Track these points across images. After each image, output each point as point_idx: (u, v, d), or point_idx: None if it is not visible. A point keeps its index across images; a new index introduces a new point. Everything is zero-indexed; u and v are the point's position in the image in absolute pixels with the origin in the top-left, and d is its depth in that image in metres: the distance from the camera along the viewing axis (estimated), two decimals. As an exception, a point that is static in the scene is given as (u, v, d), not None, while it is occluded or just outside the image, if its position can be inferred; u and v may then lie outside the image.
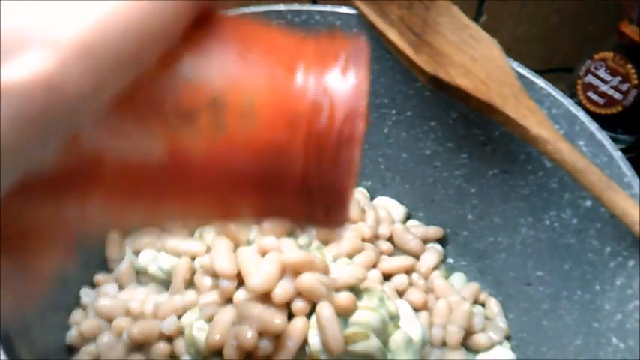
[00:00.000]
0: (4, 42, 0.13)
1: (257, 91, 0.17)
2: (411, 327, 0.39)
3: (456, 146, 0.43)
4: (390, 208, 0.46)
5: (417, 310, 0.42)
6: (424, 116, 0.43)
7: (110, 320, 0.39)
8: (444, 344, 0.41)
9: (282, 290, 0.34)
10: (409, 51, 0.38)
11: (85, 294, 0.40)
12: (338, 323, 0.34)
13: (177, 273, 0.39)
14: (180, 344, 0.37)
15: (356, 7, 0.40)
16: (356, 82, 0.17)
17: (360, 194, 0.46)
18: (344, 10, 0.41)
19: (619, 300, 0.35)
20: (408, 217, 0.47)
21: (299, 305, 0.35)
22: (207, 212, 0.19)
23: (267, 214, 0.18)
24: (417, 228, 0.46)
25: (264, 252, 0.36)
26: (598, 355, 0.35)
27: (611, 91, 0.44)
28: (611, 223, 0.35)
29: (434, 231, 0.46)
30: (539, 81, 0.38)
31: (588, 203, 0.37)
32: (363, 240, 0.43)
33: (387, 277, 0.43)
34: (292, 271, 0.35)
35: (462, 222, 0.45)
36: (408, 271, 0.44)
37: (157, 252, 0.41)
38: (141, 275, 0.41)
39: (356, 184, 0.18)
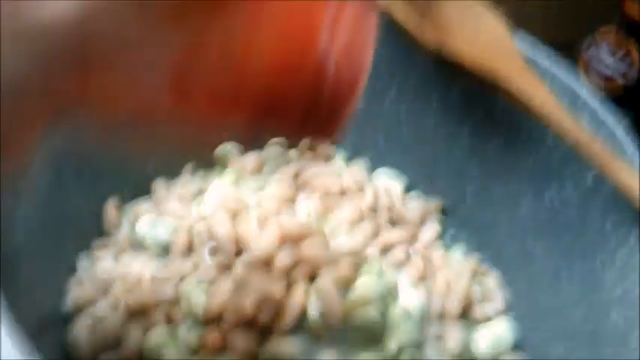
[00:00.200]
0: None
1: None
2: (409, 299, 0.39)
3: (458, 119, 0.42)
4: (389, 181, 0.46)
5: (415, 282, 0.42)
6: (426, 89, 0.43)
7: (107, 288, 0.38)
8: (442, 317, 0.41)
9: (282, 258, 0.34)
10: (413, 21, 0.38)
11: (82, 261, 0.40)
12: (337, 292, 0.34)
13: (175, 241, 0.39)
14: (178, 311, 0.37)
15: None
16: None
17: (359, 167, 0.46)
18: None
19: (620, 273, 0.35)
20: (408, 191, 0.47)
21: (299, 273, 0.35)
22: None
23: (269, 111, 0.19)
24: (416, 201, 0.46)
25: (264, 219, 0.36)
26: (598, 327, 0.35)
27: (613, 67, 0.44)
28: (613, 197, 0.35)
29: (433, 204, 0.46)
30: (542, 55, 0.37)
31: (590, 178, 0.37)
32: (362, 212, 0.43)
33: (385, 249, 0.43)
34: (293, 239, 0.35)
35: (462, 195, 0.45)
36: (407, 244, 0.43)
37: (155, 220, 0.41)
38: (138, 244, 0.41)
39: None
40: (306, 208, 0.42)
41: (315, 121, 0.19)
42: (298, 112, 0.19)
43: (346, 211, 0.42)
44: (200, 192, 0.43)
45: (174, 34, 0.17)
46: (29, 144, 0.19)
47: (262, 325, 0.34)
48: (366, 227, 0.42)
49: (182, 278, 0.37)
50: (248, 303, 0.33)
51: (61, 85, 0.17)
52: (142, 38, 0.17)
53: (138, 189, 0.43)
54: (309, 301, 0.34)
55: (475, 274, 0.44)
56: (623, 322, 0.35)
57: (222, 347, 0.35)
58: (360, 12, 0.18)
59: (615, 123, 0.35)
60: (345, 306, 0.34)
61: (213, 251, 0.37)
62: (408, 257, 0.43)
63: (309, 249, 0.34)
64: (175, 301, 0.37)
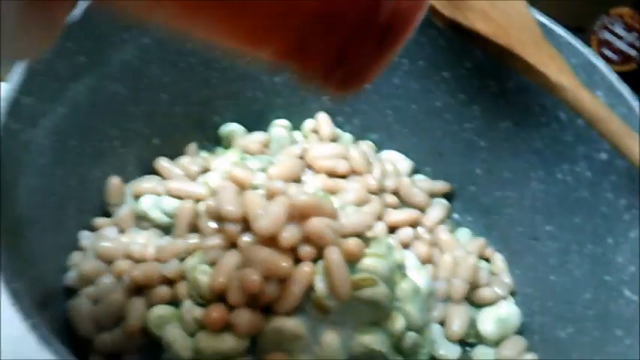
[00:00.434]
0: None
1: None
2: (417, 277, 0.38)
3: (468, 98, 0.42)
4: (396, 161, 0.46)
5: (421, 264, 0.41)
6: (437, 66, 0.42)
7: (110, 263, 0.38)
8: (448, 298, 0.40)
9: (289, 234, 0.34)
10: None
11: (85, 236, 0.40)
12: (346, 268, 0.34)
13: (180, 216, 0.38)
14: (182, 288, 0.36)
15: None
16: None
17: (366, 146, 0.46)
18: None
19: (633, 253, 0.34)
20: (415, 171, 0.47)
21: (306, 250, 0.34)
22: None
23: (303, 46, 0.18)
24: (423, 182, 0.45)
25: (271, 195, 0.35)
26: (609, 308, 0.35)
27: (626, 48, 0.43)
28: (627, 175, 0.35)
29: (441, 185, 0.45)
30: (559, 29, 0.37)
31: (604, 156, 0.36)
32: (368, 193, 0.42)
33: (392, 230, 0.43)
34: (300, 215, 0.34)
35: (470, 176, 0.44)
36: (414, 225, 0.43)
37: (159, 196, 0.40)
38: (141, 220, 0.41)
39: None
40: (313, 187, 0.41)
41: (361, 46, 0.18)
42: (347, 28, 0.18)
43: (353, 192, 0.41)
44: (204, 170, 0.43)
45: None
46: None
47: (267, 302, 0.34)
48: (373, 207, 0.42)
49: (187, 253, 0.37)
50: (255, 277, 0.33)
51: None
52: None
53: (141, 166, 0.43)
54: (315, 276, 0.34)
55: (481, 256, 0.43)
56: (635, 303, 0.34)
57: (226, 324, 0.34)
58: None
59: (633, 98, 0.34)
60: (353, 282, 0.33)
61: (219, 227, 0.37)
62: (413, 238, 0.43)
63: (318, 224, 0.34)
64: (179, 278, 0.36)
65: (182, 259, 0.37)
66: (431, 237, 0.43)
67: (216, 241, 0.36)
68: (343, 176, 0.43)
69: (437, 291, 0.40)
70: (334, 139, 0.46)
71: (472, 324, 0.40)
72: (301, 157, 0.43)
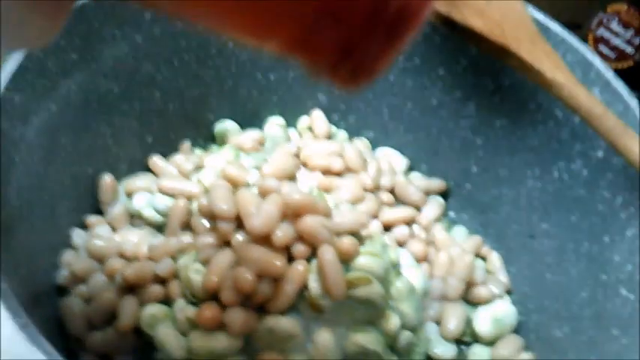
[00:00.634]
0: None
1: None
2: (412, 276, 0.38)
3: (464, 95, 0.42)
4: (392, 159, 0.45)
5: (416, 262, 0.41)
6: (432, 63, 0.42)
7: (102, 261, 0.37)
8: (443, 297, 0.40)
9: (282, 233, 0.33)
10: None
11: (77, 235, 0.39)
12: (340, 267, 0.33)
13: (173, 214, 0.38)
14: (174, 287, 0.36)
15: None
16: None
17: (361, 144, 0.45)
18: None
19: (630, 251, 0.34)
20: (411, 169, 0.46)
21: (300, 249, 0.34)
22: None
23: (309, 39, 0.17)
24: (419, 180, 0.45)
25: (265, 193, 0.35)
26: (605, 307, 0.35)
27: (623, 45, 0.43)
28: (624, 173, 0.34)
29: (436, 183, 0.45)
30: (555, 26, 0.37)
31: (600, 153, 0.36)
32: (364, 190, 0.42)
33: (387, 228, 0.42)
34: (294, 213, 0.34)
35: (466, 174, 0.44)
36: (409, 223, 0.43)
37: (152, 194, 0.40)
38: (134, 219, 0.40)
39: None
40: (308, 185, 0.41)
41: (369, 38, 0.18)
42: (356, 19, 0.17)
43: (347, 190, 0.41)
44: (198, 168, 0.42)
45: None
46: None
47: (260, 302, 0.34)
48: (368, 205, 0.41)
49: (179, 252, 0.36)
50: (248, 276, 0.32)
51: None
52: None
53: (134, 164, 0.42)
54: (309, 275, 0.33)
55: (477, 254, 0.43)
56: (632, 302, 0.34)
57: (219, 324, 0.34)
58: None
59: (630, 95, 0.34)
60: (347, 281, 0.33)
61: (212, 226, 0.36)
62: (409, 237, 0.42)
63: (311, 223, 0.33)
64: (172, 277, 0.36)
65: (175, 258, 0.36)
66: (426, 235, 0.43)
67: (209, 239, 0.36)
68: (338, 174, 0.42)
69: (432, 290, 0.40)
70: (329, 137, 0.46)
71: (468, 323, 0.40)
72: (296, 155, 0.43)
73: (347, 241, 0.34)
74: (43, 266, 0.37)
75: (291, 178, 0.41)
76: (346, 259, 0.34)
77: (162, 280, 0.36)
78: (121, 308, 0.35)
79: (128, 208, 0.40)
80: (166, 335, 0.34)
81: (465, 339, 0.40)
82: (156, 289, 0.36)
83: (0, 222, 0.31)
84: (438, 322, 0.40)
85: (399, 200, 0.44)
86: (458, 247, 0.42)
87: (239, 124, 0.45)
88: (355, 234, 0.36)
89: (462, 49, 0.40)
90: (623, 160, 0.33)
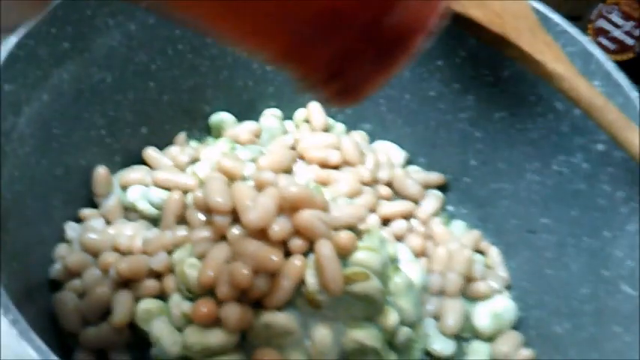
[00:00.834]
0: None
1: None
2: (410, 271, 0.38)
3: (463, 87, 0.41)
4: (390, 152, 0.45)
5: (414, 257, 0.40)
6: (430, 55, 0.41)
7: (97, 255, 0.37)
8: (442, 292, 0.40)
9: (279, 227, 0.33)
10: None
11: (71, 228, 0.39)
12: (337, 262, 0.33)
13: (168, 208, 0.37)
14: (169, 281, 0.35)
15: None
16: None
17: (359, 137, 0.45)
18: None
19: (631, 246, 0.34)
20: (409, 162, 0.46)
21: (297, 243, 0.33)
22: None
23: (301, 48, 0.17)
24: (417, 173, 0.45)
25: (261, 187, 0.34)
26: (606, 303, 0.34)
27: (623, 37, 0.43)
28: (625, 167, 0.34)
29: (435, 177, 0.45)
30: (555, 17, 0.36)
31: (601, 147, 0.35)
32: (362, 184, 0.42)
33: (385, 222, 0.42)
34: (290, 207, 0.33)
35: (465, 168, 0.43)
36: (407, 217, 0.42)
37: (147, 187, 0.39)
38: (129, 212, 0.40)
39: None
40: (305, 178, 0.41)
41: (360, 58, 0.18)
42: (357, 28, 0.17)
43: (345, 183, 0.41)
44: (193, 160, 0.42)
45: None
46: None
47: (257, 297, 0.33)
48: (366, 199, 0.41)
49: (175, 246, 0.36)
50: (245, 271, 0.32)
51: None
52: None
53: (129, 156, 0.42)
54: (307, 270, 0.33)
55: (476, 249, 0.43)
56: (633, 298, 0.33)
57: (215, 319, 0.33)
58: None
59: (631, 87, 0.34)
60: (345, 276, 0.33)
61: (208, 219, 0.36)
62: (407, 231, 0.42)
63: (309, 217, 0.33)
64: (167, 271, 0.36)
65: (170, 252, 0.36)
66: (425, 229, 0.42)
67: (204, 233, 0.35)
68: (335, 167, 0.42)
69: (431, 285, 0.40)
70: (326, 129, 0.45)
71: (467, 318, 0.40)
72: (292, 148, 0.42)
73: (345, 236, 0.34)
74: (36, 260, 0.36)
75: (288, 171, 0.40)
76: (344, 254, 0.34)
77: (157, 275, 0.36)
78: (115, 303, 0.35)
79: (123, 200, 0.40)
80: (161, 330, 0.34)
81: (464, 335, 0.40)
82: (151, 284, 0.35)
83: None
84: (437, 318, 0.39)
85: (397, 194, 0.43)
86: (457, 241, 0.42)
87: (235, 115, 0.45)
88: (353, 228, 0.35)
89: (461, 40, 0.39)
90: (624, 153, 0.33)
